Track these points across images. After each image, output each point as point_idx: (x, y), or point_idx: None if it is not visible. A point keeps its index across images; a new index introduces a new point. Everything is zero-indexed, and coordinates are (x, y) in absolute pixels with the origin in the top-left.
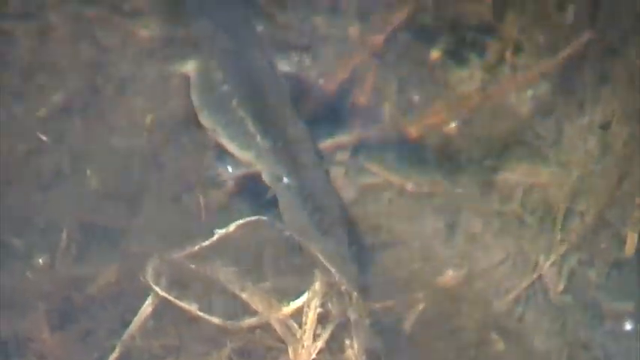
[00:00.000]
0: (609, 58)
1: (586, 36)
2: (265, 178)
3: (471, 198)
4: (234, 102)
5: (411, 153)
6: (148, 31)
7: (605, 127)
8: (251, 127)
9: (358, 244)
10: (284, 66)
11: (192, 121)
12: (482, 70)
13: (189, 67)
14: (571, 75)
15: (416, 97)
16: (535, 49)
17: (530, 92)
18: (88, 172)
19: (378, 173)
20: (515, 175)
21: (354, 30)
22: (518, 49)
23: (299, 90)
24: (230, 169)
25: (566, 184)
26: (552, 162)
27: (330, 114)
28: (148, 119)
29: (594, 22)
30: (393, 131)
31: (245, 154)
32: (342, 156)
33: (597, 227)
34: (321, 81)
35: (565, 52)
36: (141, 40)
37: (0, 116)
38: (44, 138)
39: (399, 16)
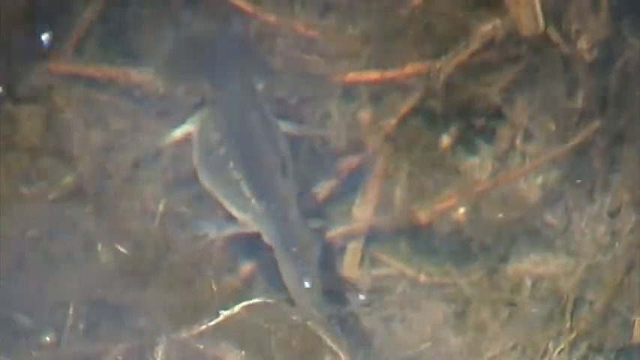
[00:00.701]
0: (618, 144)
1: (595, 123)
2: (265, 240)
3: (480, 287)
4: (231, 164)
5: (422, 241)
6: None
7: (613, 214)
8: (246, 190)
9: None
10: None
11: (204, 205)
12: (492, 158)
13: (191, 126)
14: (580, 162)
15: (427, 183)
16: (545, 136)
17: (539, 179)
18: (99, 247)
19: (391, 264)
20: (523, 264)
21: (365, 114)
22: (527, 136)
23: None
24: (216, 229)
25: (575, 273)
26: (561, 251)
27: (342, 199)
28: (161, 205)
29: (604, 109)
30: (403, 218)
31: (242, 216)
32: (355, 244)
33: (606, 315)
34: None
35: (575, 140)
36: (151, 122)
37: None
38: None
39: (410, 100)
